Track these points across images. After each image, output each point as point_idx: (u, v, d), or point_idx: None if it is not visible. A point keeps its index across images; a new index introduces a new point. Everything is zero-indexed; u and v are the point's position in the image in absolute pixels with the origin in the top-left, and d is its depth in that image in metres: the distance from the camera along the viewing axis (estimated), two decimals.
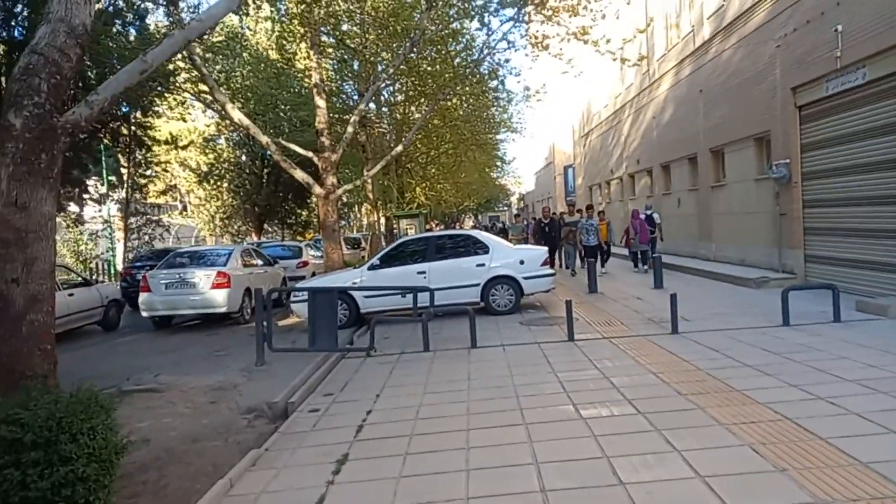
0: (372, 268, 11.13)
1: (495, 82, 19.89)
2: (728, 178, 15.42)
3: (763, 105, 13.10)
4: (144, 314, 12.17)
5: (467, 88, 19.69)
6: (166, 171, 21.31)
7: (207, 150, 28.89)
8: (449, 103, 21.25)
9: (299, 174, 13.68)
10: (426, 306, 9.11)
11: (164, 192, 20.69)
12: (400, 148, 14.53)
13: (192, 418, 6.28)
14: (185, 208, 38.30)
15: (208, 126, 27.14)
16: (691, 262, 16.08)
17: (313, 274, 16.91)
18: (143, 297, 11.99)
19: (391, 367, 7.71)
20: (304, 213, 32.43)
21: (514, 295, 10.94)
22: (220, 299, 11.84)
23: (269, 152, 13.99)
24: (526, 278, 10.98)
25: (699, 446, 4.27)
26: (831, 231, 11.21)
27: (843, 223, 10.82)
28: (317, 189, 13.68)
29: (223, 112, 13.60)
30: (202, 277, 11.95)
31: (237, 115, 13.08)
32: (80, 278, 13.18)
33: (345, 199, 37.37)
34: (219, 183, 29.08)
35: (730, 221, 15.29)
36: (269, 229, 35.09)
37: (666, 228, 17.35)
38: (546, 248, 12.14)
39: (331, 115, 18.88)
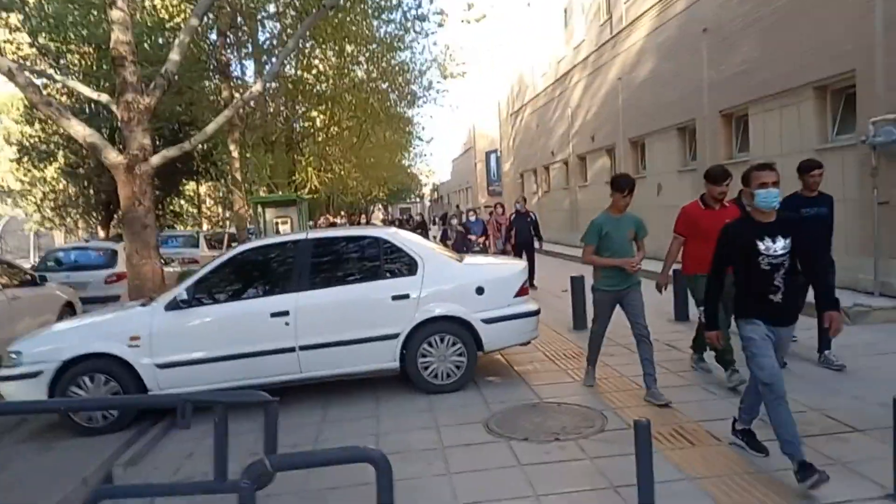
0: (172, 306, 5.42)
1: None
2: (753, 150, 10.75)
3: (841, 29, 8.43)
4: None
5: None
6: None
7: (30, 120, 21.76)
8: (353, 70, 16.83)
9: (76, 128, 7.69)
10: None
11: None
12: (259, 87, 8.71)
13: None
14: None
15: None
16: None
17: None
18: None
19: None
20: (177, 201, 25.71)
21: (466, 354, 5.63)
22: None
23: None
24: (488, 321, 5.66)
25: None
26: None
27: None
28: (111, 155, 7.73)
29: None
30: None
31: None
32: None
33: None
34: (45, 163, 21.97)
35: None
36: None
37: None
38: (525, 263, 6.65)
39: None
